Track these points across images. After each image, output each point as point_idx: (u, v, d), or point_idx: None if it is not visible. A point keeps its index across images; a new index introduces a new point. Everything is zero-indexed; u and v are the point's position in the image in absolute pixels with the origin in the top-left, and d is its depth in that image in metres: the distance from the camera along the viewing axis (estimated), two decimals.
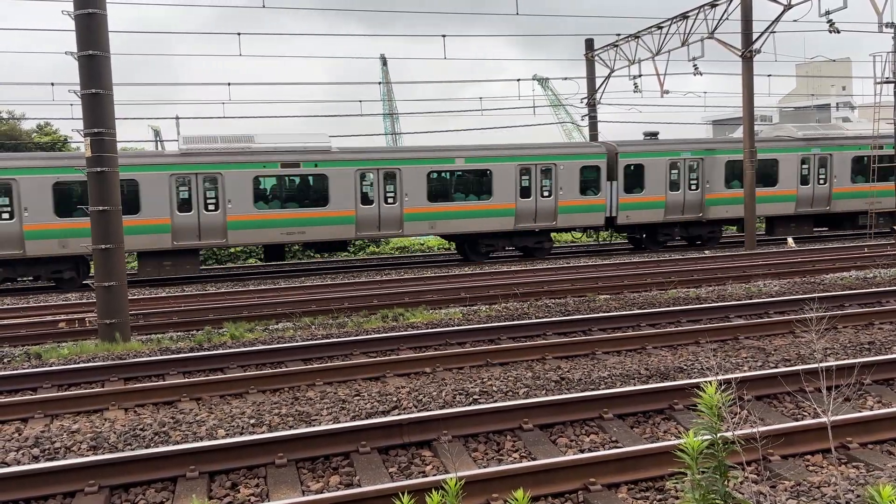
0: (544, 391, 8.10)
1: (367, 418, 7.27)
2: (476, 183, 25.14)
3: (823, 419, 5.02)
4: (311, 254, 28.84)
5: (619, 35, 30.43)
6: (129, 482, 5.88)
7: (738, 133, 28.64)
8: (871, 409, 7.28)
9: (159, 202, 21.69)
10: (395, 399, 7.96)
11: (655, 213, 26.59)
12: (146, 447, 6.75)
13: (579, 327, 11.58)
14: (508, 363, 9.53)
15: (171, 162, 22.20)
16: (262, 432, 7.02)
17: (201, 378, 9.17)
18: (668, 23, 27.55)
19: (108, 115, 11.96)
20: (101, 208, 11.93)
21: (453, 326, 11.91)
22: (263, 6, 23.80)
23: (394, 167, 23.87)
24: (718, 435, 3.93)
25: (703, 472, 3.87)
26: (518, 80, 33.64)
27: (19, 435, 7.37)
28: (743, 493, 5.07)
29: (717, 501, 3.80)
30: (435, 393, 8.11)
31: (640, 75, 30.65)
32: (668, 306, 13.29)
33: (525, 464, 5.71)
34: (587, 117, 33.74)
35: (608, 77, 32.20)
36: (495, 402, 7.64)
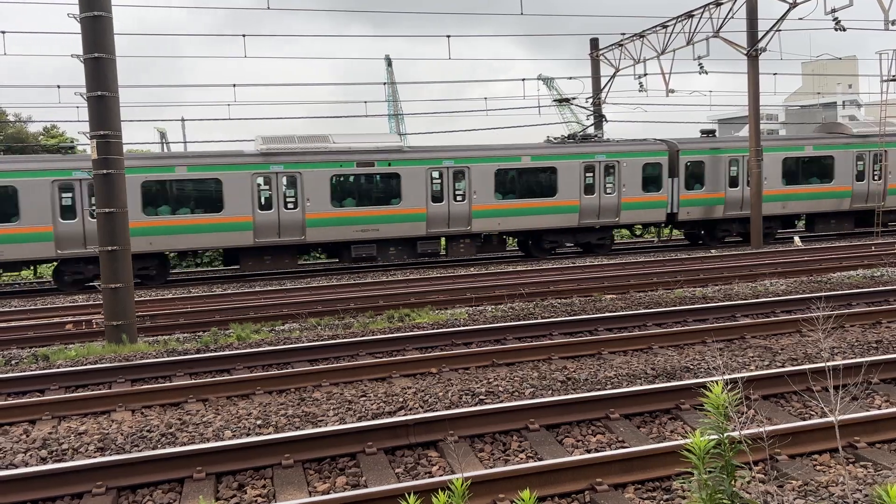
0: (550, 391, 8.09)
1: (373, 419, 7.28)
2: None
3: (831, 418, 5.00)
4: (318, 255, 28.88)
5: (624, 34, 30.42)
6: (137, 483, 5.90)
7: (744, 132, 28.57)
8: (879, 408, 7.25)
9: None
10: (401, 399, 7.96)
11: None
12: (153, 448, 6.77)
13: (585, 327, 11.56)
14: (514, 363, 9.53)
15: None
16: (269, 433, 7.03)
17: (208, 379, 9.18)
18: (674, 22, 27.52)
19: (114, 117, 12.00)
20: (107, 210, 11.96)
21: (459, 327, 11.91)
22: (268, 7, 23.87)
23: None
24: (725, 434, 3.92)
25: (710, 472, 3.86)
26: (523, 79, 33.67)
27: (27, 436, 7.39)
28: (750, 493, 5.06)
29: (724, 501, 3.80)
30: (441, 393, 8.11)
31: (645, 74, 30.65)
32: (675, 306, 13.25)
33: (531, 464, 5.70)
34: (592, 117, 33.72)
35: (613, 76, 32.18)
36: (501, 402, 7.64)
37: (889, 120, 29.07)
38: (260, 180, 22.54)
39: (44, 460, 6.65)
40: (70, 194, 20.90)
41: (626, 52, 30.72)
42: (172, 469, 6.00)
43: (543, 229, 25.42)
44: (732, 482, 3.88)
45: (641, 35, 29.33)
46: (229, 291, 19.18)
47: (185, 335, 13.10)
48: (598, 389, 7.99)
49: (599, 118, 33.20)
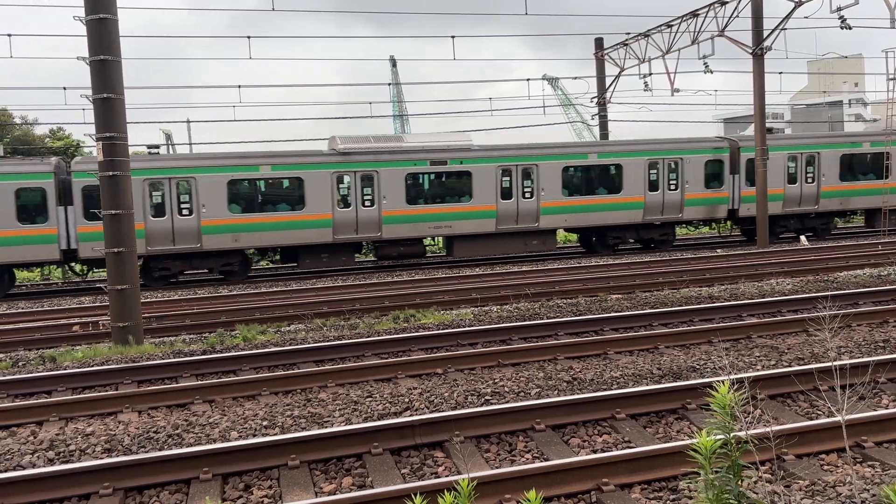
0: (556, 391, 8.09)
1: (379, 419, 7.28)
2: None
3: (838, 418, 4.99)
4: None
5: (628, 34, 30.38)
6: (144, 484, 5.92)
7: (749, 131, 28.52)
8: (886, 407, 7.22)
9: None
10: (407, 400, 7.97)
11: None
12: (160, 449, 6.79)
13: (591, 327, 11.55)
14: (520, 364, 9.52)
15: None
16: (275, 434, 7.04)
17: (214, 380, 9.20)
18: (678, 21, 27.47)
19: (120, 119, 12.03)
20: (113, 212, 11.99)
21: (465, 327, 11.91)
22: (273, 9, 23.89)
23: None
24: (732, 434, 3.91)
25: (717, 472, 3.85)
26: (528, 79, 33.59)
27: (35, 438, 7.42)
28: (757, 493, 5.05)
29: (730, 501, 3.79)
30: (447, 394, 8.11)
31: (650, 74, 30.60)
32: (681, 305, 13.23)
33: (537, 464, 5.70)
34: (597, 117, 33.71)
35: (618, 76, 32.15)
36: (507, 402, 7.63)
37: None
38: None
39: (51, 461, 6.68)
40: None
41: (630, 52, 30.68)
42: (179, 470, 6.02)
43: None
44: (739, 482, 3.87)
45: (646, 34, 29.28)
46: (235, 293, 19.22)
47: (192, 336, 13.13)
48: (604, 389, 7.98)
49: (604, 118, 33.18)
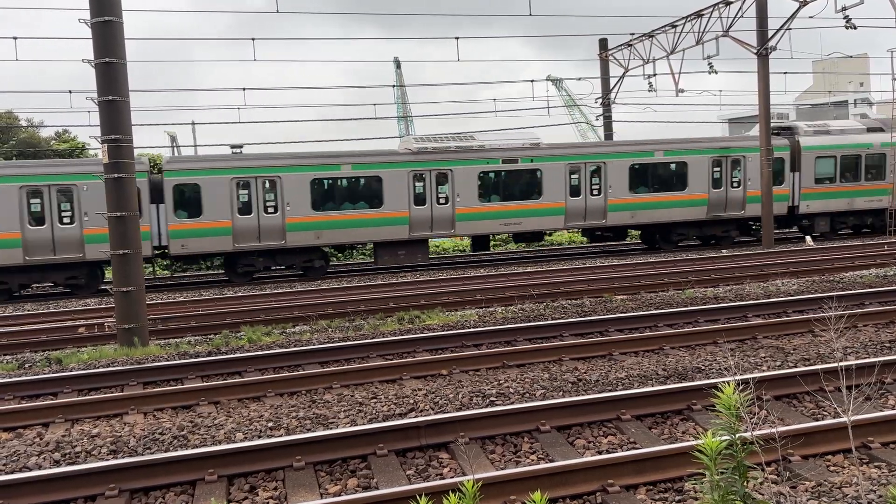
0: (561, 393, 8.08)
1: (384, 421, 7.28)
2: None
3: (844, 419, 4.97)
4: (337, 256, 29.35)
5: (633, 34, 30.36)
6: (149, 486, 5.93)
7: (754, 131, 28.44)
8: (893, 408, 7.20)
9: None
10: (411, 401, 7.97)
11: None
12: (165, 451, 6.80)
13: (596, 328, 11.54)
14: (525, 365, 9.52)
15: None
16: (280, 435, 7.05)
17: (219, 382, 9.22)
18: (683, 21, 27.44)
19: (125, 121, 12.06)
20: (118, 214, 12.02)
21: (469, 328, 11.91)
22: (277, 11, 23.94)
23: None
24: (737, 435, 3.91)
25: (723, 473, 3.85)
26: (532, 80, 33.62)
27: (41, 439, 7.44)
28: (763, 494, 5.04)
29: (736, 502, 3.78)
30: (451, 395, 8.11)
31: (654, 74, 30.58)
32: (686, 306, 13.20)
33: (543, 465, 5.69)
34: (602, 117, 33.67)
35: (622, 77, 32.14)
36: (512, 403, 7.63)
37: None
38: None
39: (57, 463, 6.69)
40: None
41: (635, 53, 30.67)
42: (184, 471, 6.02)
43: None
44: (745, 483, 3.86)
45: (651, 35, 29.26)
46: (240, 294, 19.24)
47: (197, 338, 13.15)
48: (610, 390, 7.97)
49: (608, 119, 33.15)
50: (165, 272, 27.89)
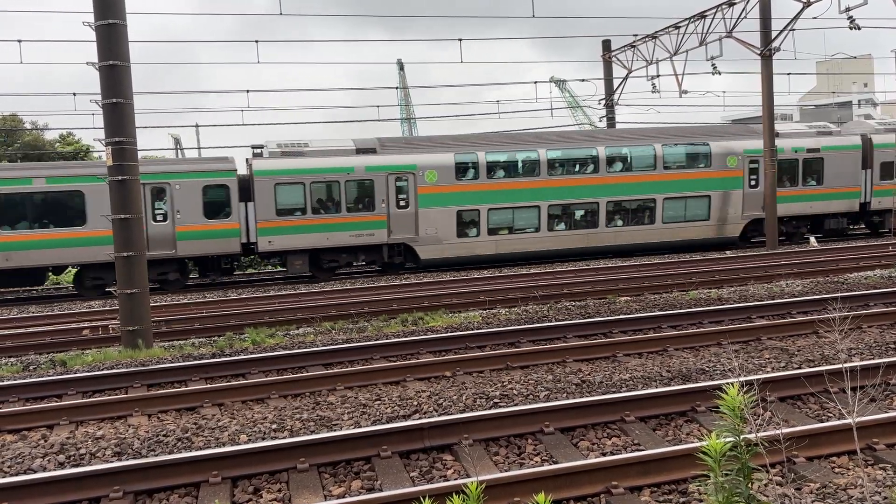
0: (565, 394, 8.07)
1: (388, 423, 7.28)
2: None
3: (848, 420, 4.96)
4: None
5: (636, 36, 30.34)
6: (153, 488, 5.94)
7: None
8: None
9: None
10: (415, 403, 7.97)
11: None
12: (169, 453, 6.80)
13: (600, 329, 11.53)
14: (529, 366, 9.51)
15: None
16: (284, 437, 7.05)
17: (223, 384, 9.22)
18: (686, 22, 27.41)
19: (129, 124, 12.09)
20: (122, 216, 12.05)
21: (473, 330, 11.90)
22: (280, 13, 23.98)
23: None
24: (742, 437, 3.90)
25: (727, 475, 3.84)
26: (535, 82, 33.65)
27: (45, 441, 7.46)
28: (767, 496, 5.03)
29: None
30: (455, 397, 8.10)
31: (657, 76, 30.54)
32: (690, 307, 13.19)
33: (547, 467, 5.69)
34: (605, 118, 33.65)
35: (626, 78, 32.11)
36: (516, 405, 7.63)
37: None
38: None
39: (62, 465, 6.70)
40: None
41: (638, 54, 30.65)
42: (189, 473, 6.03)
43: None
44: (749, 485, 3.85)
45: (654, 36, 29.24)
46: (244, 296, 19.26)
47: (201, 340, 13.17)
48: (614, 392, 7.96)
49: (612, 120, 33.12)
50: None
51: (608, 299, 15.04)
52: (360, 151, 23.38)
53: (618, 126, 33.19)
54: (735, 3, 25.24)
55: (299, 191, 22.48)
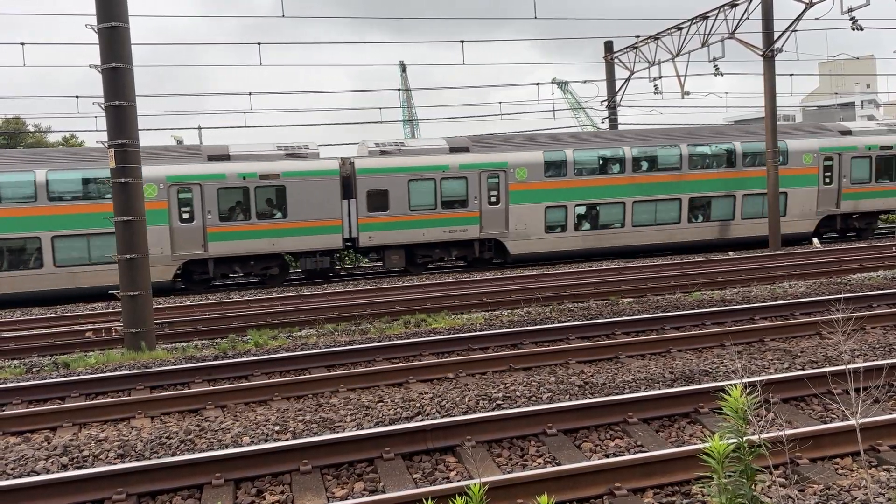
0: (568, 396, 8.07)
1: (390, 424, 7.28)
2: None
3: (852, 421, 4.96)
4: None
5: (638, 37, 30.33)
6: (156, 489, 5.94)
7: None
8: None
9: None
10: (418, 405, 7.97)
11: None
12: (172, 455, 6.81)
13: (602, 331, 11.52)
14: (531, 368, 9.51)
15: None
16: (287, 439, 7.06)
17: (226, 386, 9.24)
18: (688, 24, 27.40)
19: (132, 126, 12.11)
20: (125, 219, 12.06)
21: (476, 332, 11.89)
22: (283, 15, 24.02)
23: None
24: (745, 438, 3.90)
25: (730, 476, 3.83)
26: (537, 84, 33.60)
27: (48, 443, 7.46)
28: (771, 497, 5.02)
29: None
30: (458, 398, 8.10)
31: (660, 77, 30.51)
32: (693, 309, 13.18)
33: (549, 469, 5.68)
34: (607, 120, 33.65)
35: (628, 79, 32.10)
36: (519, 407, 7.62)
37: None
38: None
39: (65, 467, 6.71)
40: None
41: (640, 55, 30.64)
42: (191, 475, 6.03)
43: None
44: (752, 486, 3.85)
45: (656, 37, 29.23)
46: (246, 298, 19.27)
47: (203, 342, 13.17)
48: (616, 393, 7.96)
49: (614, 121, 33.11)
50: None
51: (611, 301, 15.03)
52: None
53: (620, 128, 33.20)
54: (737, 4, 25.22)
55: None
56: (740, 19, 25.13)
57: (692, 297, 14.78)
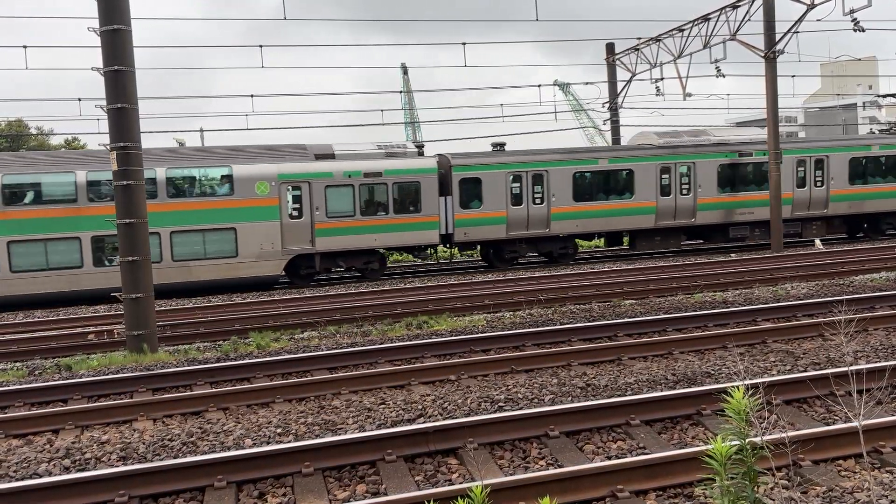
0: (570, 398, 8.06)
1: (392, 426, 7.28)
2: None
3: (855, 423, 4.95)
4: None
5: (640, 39, 30.34)
6: (158, 492, 5.94)
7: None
8: None
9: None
10: (420, 407, 7.97)
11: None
12: (174, 457, 6.81)
13: (605, 333, 11.51)
14: (533, 370, 9.50)
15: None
16: (289, 441, 7.06)
17: (228, 388, 9.24)
18: (690, 25, 27.40)
19: (134, 128, 12.12)
20: (127, 221, 12.07)
21: (478, 334, 11.89)
22: (285, 18, 24.04)
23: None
24: (747, 440, 3.89)
25: (733, 478, 3.83)
26: (539, 85, 33.62)
27: (51, 446, 7.47)
28: (773, 499, 5.01)
29: None
30: (460, 400, 8.10)
31: (661, 78, 30.50)
32: (695, 310, 13.17)
33: (551, 471, 5.68)
34: (609, 122, 33.65)
35: (630, 81, 32.09)
36: (521, 409, 7.62)
37: None
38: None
39: (67, 469, 6.72)
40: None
41: (642, 57, 30.65)
42: (194, 478, 6.03)
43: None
44: (755, 488, 3.84)
45: (658, 39, 29.23)
46: (248, 300, 19.28)
47: (206, 344, 13.18)
48: (618, 395, 7.95)
49: (616, 123, 33.11)
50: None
51: (613, 303, 15.02)
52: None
53: (622, 130, 33.29)
54: (739, 6, 25.23)
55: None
56: (742, 21, 25.15)
57: (694, 299, 14.77)
